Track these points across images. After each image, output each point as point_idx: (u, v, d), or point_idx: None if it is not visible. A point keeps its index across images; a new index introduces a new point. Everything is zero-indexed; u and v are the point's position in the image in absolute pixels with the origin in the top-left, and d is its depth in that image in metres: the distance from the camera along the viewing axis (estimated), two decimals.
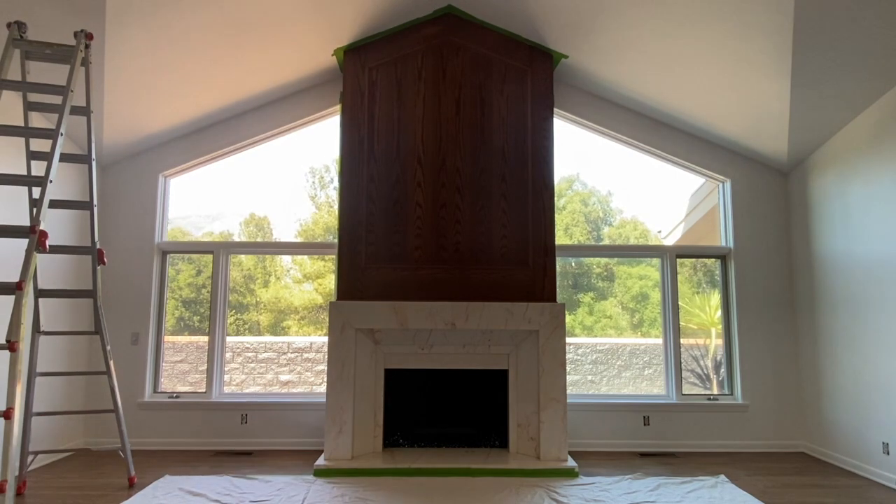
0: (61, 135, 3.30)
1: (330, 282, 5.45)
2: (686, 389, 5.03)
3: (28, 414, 3.56)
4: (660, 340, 5.16)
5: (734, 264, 5.03)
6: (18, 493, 3.51)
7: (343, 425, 4.18)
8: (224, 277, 5.08)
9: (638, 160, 5.30)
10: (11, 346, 2.79)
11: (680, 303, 5.15)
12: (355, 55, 4.66)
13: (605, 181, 5.67)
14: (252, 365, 5.40)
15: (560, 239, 5.01)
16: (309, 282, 5.68)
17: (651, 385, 5.24)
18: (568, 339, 4.61)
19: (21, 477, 3.55)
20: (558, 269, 4.83)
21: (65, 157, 3.52)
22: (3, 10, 3.36)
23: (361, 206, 4.54)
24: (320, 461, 4.08)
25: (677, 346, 5.05)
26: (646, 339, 5.39)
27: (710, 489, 3.70)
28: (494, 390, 4.53)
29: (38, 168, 3.57)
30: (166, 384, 5.05)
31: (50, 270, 4.23)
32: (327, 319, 4.32)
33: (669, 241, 5.52)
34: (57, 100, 3.50)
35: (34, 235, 3.03)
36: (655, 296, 5.28)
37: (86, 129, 3.68)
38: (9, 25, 3.33)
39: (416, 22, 4.66)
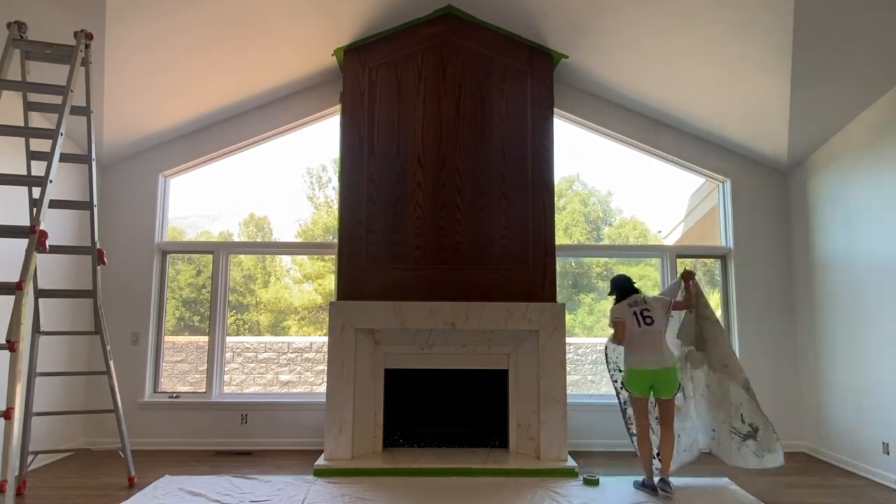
0: (61, 135, 3.30)
1: (330, 282, 5.45)
2: None
3: (28, 414, 3.56)
4: None
5: (734, 264, 5.03)
6: (18, 493, 3.51)
7: (343, 425, 4.18)
8: (224, 277, 5.08)
9: (638, 160, 5.30)
10: (11, 346, 2.78)
11: None
12: (355, 55, 4.66)
13: (605, 181, 5.68)
14: (252, 365, 5.40)
15: (560, 239, 5.01)
16: (309, 282, 5.68)
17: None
18: (568, 339, 4.60)
19: (21, 477, 3.55)
20: (558, 269, 4.83)
21: (65, 157, 3.51)
22: (3, 10, 3.36)
23: (361, 206, 4.54)
24: (320, 461, 4.08)
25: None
26: None
27: (714, 490, 3.70)
28: (494, 390, 4.53)
29: (38, 168, 3.57)
30: (166, 384, 5.05)
31: (50, 270, 4.23)
32: (327, 319, 4.32)
33: (669, 241, 5.52)
34: (57, 100, 3.50)
35: (34, 235, 3.03)
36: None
37: (86, 129, 3.68)
38: (9, 25, 3.32)
39: (416, 22, 4.66)
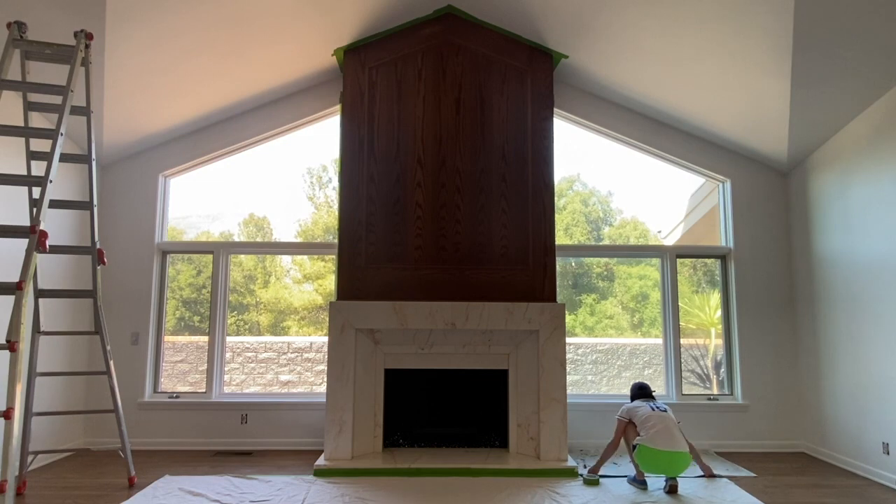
0: (61, 135, 3.30)
1: (330, 282, 5.45)
2: (686, 389, 5.03)
3: (28, 414, 3.56)
4: (660, 340, 5.16)
5: (734, 264, 5.03)
6: (18, 493, 3.51)
7: (343, 425, 4.18)
8: (224, 277, 5.08)
9: (638, 160, 5.30)
10: (11, 346, 2.78)
11: (680, 303, 5.15)
12: (355, 55, 4.66)
13: (606, 181, 5.67)
14: (252, 365, 5.40)
15: (560, 239, 5.01)
16: (309, 282, 5.68)
17: (651, 385, 5.23)
18: (568, 339, 4.61)
19: (21, 477, 3.55)
20: (558, 269, 4.83)
21: (65, 157, 3.51)
22: (3, 10, 3.36)
23: (361, 206, 4.54)
24: (320, 461, 4.08)
25: (677, 346, 5.05)
26: (646, 339, 5.39)
27: (713, 489, 3.71)
28: (494, 390, 4.53)
29: (38, 168, 3.57)
30: (166, 384, 5.05)
31: (50, 270, 4.23)
32: (327, 319, 4.32)
33: (669, 242, 5.52)
34: (57, 100, 3.50)
35: (34, 235, 3.03)
36: (655, 296, 5.28)
37: (86, 129, 3.68)
38: (9, 25, 3.32)
39: (415, 22, 4.66)
